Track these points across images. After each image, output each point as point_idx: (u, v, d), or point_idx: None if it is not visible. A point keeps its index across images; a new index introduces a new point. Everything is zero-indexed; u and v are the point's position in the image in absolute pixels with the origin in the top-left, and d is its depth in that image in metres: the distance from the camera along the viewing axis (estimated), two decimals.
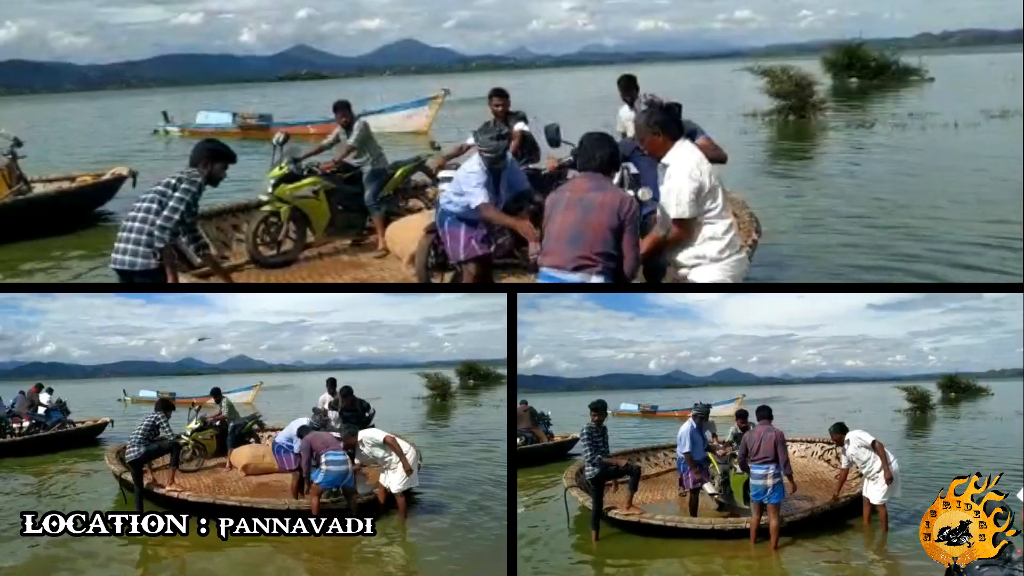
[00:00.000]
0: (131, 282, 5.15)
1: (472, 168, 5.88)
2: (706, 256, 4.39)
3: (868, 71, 37.29)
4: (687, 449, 5.68)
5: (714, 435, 6.29)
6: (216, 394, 7.20)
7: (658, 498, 6.19)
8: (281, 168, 8.32)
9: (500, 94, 8.14)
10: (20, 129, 15.18)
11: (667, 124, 4.34)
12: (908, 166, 15.22)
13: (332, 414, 6.56)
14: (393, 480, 5.58)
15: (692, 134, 5.45)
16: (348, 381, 6.53)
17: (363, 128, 8.55)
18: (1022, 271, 7.86)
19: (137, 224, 5.06)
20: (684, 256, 4.44)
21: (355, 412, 6.44)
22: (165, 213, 5.02)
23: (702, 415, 5.78)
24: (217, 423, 6.93)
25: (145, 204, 5.10)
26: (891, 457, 5.31)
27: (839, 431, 5.47)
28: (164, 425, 5.72)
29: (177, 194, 5.06)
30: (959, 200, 11.66)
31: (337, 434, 5.60)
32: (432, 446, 7.14)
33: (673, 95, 6.13)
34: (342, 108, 8.69)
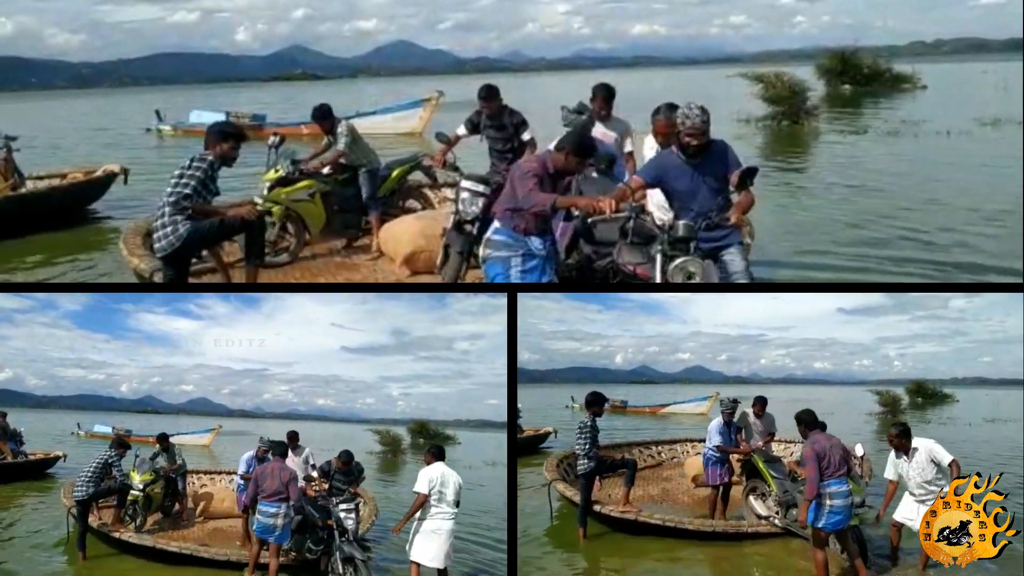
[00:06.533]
0: (151, 282, 5.90)
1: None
2: None
3: (861, 78, 37.35)
4: (716, 444, 5.55)
5: (740, 434, 5.66)
6: (163, 440, 6.18)
7: (639, 494, 6.12)
8: (277, 171, 8.27)
9: (487, 97, 7.75)
10: (13, 126, 15.05)
11: None
12: (901, 171, 15.30)
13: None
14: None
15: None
16: (305, 432, 6.00)
17: (348, 131, 8.38)
18: (1022, 271, 7.88)
19: (163, 210, 5.76)
20: None
21: (350, 476, 5.56)
22: (175, 188, 5.69)
23: (730, 411, 5.59)
24: (169, 474, 6.12)
25: (167, 191, 5.75)
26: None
27: (903, 436, 4.38)
28: (117, 464, 5.54)
29: (188, 171, 5.71)
30: (951, 204, 11.75)
31: (301, 474, 5.11)
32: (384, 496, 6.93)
33: (668, 100, 6.15)
34: (322, 116, 8.48)
